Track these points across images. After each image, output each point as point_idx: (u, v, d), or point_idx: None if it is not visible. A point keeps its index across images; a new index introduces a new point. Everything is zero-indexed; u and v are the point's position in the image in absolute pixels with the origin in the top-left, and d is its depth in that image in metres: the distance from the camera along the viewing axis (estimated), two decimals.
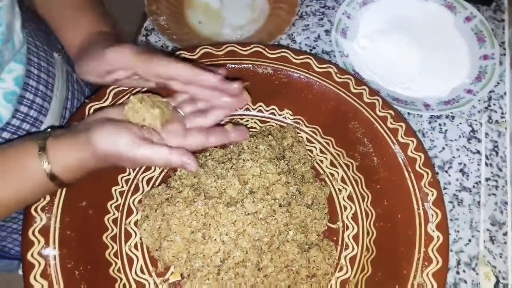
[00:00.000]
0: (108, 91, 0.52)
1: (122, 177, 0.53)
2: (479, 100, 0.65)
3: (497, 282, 0.53)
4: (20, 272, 0.44)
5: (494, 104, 0.65)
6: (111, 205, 0.51)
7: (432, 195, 0.48)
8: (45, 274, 0.42)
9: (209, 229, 0.46)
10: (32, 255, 0.42)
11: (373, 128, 0.53)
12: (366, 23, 0.70)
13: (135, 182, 0.54)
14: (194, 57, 0.56)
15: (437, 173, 0.59)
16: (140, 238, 0.50)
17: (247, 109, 0.59)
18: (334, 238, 0.52)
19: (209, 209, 0.46)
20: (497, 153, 0.61)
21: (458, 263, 0.54)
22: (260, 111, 0.60)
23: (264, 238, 0.46)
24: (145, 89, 0.50)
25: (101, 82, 0.46)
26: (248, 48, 0.57)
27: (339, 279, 0.49)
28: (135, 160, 0.41)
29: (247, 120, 0.59)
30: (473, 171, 0.60)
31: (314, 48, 0.70)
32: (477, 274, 0.53)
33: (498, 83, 0.67)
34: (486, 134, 0.63)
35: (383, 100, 0.54)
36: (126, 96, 0.52)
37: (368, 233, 0.51)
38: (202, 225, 0.46)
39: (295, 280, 0.47)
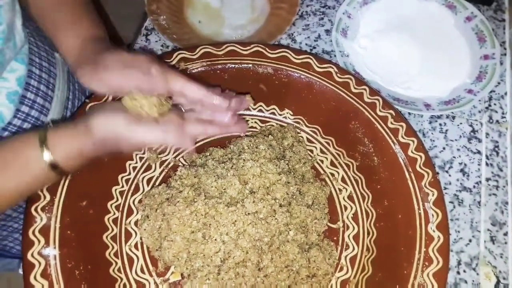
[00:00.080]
0: None
1: (122, 177, 0.53)
2: (479, 100, 0.65)
3: (498, 282, 0.53)
4: (21, 271, 0.44)
5: (495, 104, 0.65)
6: (111, 205, 0.51)
7: (433, 195, 0.48)
8: (45, 274, 0.42)
9: (210, 229, 0.46)
10: (32, 255, 0.42)
11: (374, 128, 0.52)
12: (367, 22, 0.70)
13: (135, 182, 0.54)
14: (194, 57, 0.56)
15: (438, 173, 0.59)
16: (141, 238, 0.50)
17: (248, 108, 0.59)
18: (335, 238, 0.52)
19: (209, 209, 0.46)
20: (497, 153, 0.61)
21: (459, 263, 0.54)
22: (260, 110, 0.60)
23: (264, 238, 0.46)
24: None
25: (109, 92, 0.46)
26: (248, 47, 0.57)
27: (339, 279, 0.49)
28: (132, 140, 0.41)
29: (248, 120, 0.59)
30: (474, 171, 0.59)
31: (314, 48, 0.70)
32: (477, 274, 0.53)
33: (499, 83, 0.67)
34: (487, 134, 0.63)
35: (384, 100, 0.54)
36: None
37: (368, 233, 0.51)
38: (202, 225, 0.46)
39: (295, 280, 0.47)
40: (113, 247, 0.49)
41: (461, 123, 0.63)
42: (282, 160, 0.52)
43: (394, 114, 0.53)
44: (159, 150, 0.56)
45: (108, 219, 0.50)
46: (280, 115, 0.59)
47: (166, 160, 0.56)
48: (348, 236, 0.52)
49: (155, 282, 0.48)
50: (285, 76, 0.56)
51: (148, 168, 0.55)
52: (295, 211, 0.49)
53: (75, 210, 0.47)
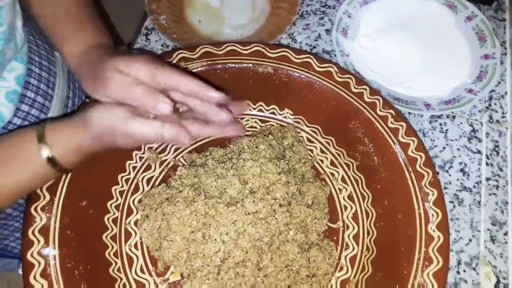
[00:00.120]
0: None
1: (122, 177, 0.53)
2: (480, 100, 0.65)
3: (498, 282, 0.53)
4: (20, 271, 0.44)
5: (495, 104, 0.65)
6: (111, 205, 0.51)
7: (433, 195, 0.48)
8: (45, 274, 0.42)
9: (209, 228, 0.46)
10: (32, 255, 0.42)
11: (374, 127, 0.52)
12: (367, 22, 0.70)
13: (135, 181, 0.54)
14: (194, 56, 0.55)
15: (438, 173, 0.59)
16: (140, 238, 0.50)
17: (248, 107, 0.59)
18: (335, 238, 0.52)
19: (209, 209, 0.46)
20: (497, 152, 0.61)
21: (459, 263, 0.54)
22: (260, 110, 0.60)
23: (264, 238, 0.46)
24: None
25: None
26: (248, 47, 0.57)
27: (339, 279, 0.49)
28: (128, 134, 0.41)
29: (248, 120, 0.59)
30: (474, 170, 0.59)
31: (314, 47, 0.70)
32: (477, 274, 0.53)
33: (499, 82, 0.67)
34: (487, 133, 0.62)
35: (384, 100, 0.54)
36: None
37: (368, 233, 0.51)
38: (202, 224, 0.46)
39: (295, 280, 0.47)
40: (112, 247, 0.49)
41: (461, 123, 0.63)
42: (282, 160, 0.52)
43: (394, 114, 0.53)
44: (159, 149, 0.56)
45: (108, 219, 0.50)
46: (280, 114, 0.59)
47: (166, 159, 0.56)
48: (348, 236, 0.52)
49: (154, 282, 0.48)
50: (285, 76, 0.56)
51: (148, 167, 0.55)
52: (295, 211, 0.49)
53: (75, 210, 0.47)
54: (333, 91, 0.55)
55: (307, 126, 0.59)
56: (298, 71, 0.56)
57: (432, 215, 0.46)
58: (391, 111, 0.53)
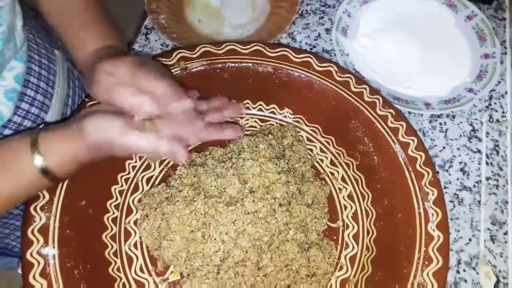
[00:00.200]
0: None
1: (121, 176, 0.53)
2: (480, 99, 0.65)
3: (498, 281, 0.53)
4: (20, 270, 0.44)
5: (495, 103, 0.65)
6: (110, 204, 0.51)
7: (433, 194, 0.47)
8: (44, 274, 0.42)
9: (209, 228, 0.46)
10: (31, 254, 0.42)
11: (374, 127, 0.52)
12: (367, 21, 0.70)
13: (134, 181, 0.54)
14: (194, 56, 0.55)
15: (438, 172, 0.59)
16: (140, 237, 0.50)
17: (247, 108, 0.59)
18: (334, 237, 0.52)
19: (209, 208, 0.46)
20: (497, 152, 0.61)
21: (459, 262, 0.53)
22: (260, 110, 0.59)
23: (264, 238, 0.46)
24: None
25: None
26: (248, 47, 0.56)
27: (339, 278, 0.49)
28: (125, 146, 0.41)
29: (247, 119, 0.59)
30: (474, 170, 0.59)
31: (314, 47, 0.70)
32: (477, 273, 0.53)
33: (499, 82, 0.67)
34: (487, 133, 0.62)
35: (384, 99, 0.54)
36: None
37: (368, 233, 0.51)
38: (202, 224, 0.46)
39: (295, 279, 0.47)
40: (112, 247, 0.49)
41: (461, 122, 0.63)
42: (282, 159, 0.52)
43: (394, 113, 0.52)
44: None
45: (108, 218, 0.50)
46: (280, 114, 0.59)
47: (165, 159, 0.56)
48: (348, 235, 0.52)
49: (154, 282, 0.48)
50: (285, 75, 0.56)
51: (148, 167, 0.55)
52: (295, 210, 0.49)
53: (74, 210, 0.46)
54: (333, 90, 0.55)
55: (307, 125, 0.58)
56: (298, 70, 0.56)
57: (432, 214, 0.46)
58: (391, 110, 0.53)
